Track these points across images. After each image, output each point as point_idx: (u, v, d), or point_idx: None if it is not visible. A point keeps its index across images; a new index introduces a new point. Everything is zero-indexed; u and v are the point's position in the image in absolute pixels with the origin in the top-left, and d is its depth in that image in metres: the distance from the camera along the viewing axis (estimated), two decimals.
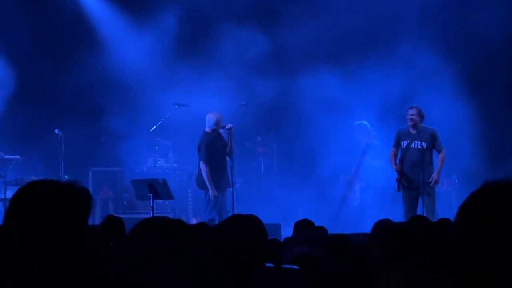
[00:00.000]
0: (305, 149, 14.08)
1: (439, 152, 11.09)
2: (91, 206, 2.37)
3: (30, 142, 13.39)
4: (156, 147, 14.12)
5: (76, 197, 2.34)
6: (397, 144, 11.24)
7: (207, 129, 11.50)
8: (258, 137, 14.69)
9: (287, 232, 9.22)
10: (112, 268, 2.00)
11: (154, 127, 13.73)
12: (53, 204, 2.30)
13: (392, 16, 13.77)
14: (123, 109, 13.92)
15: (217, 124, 11.46)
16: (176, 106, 13.56)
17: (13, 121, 13.70)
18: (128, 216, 11.70)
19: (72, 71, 13.90)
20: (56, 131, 12.45)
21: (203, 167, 11.30)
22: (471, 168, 13.19)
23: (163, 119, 13.69)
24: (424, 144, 10.97)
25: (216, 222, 10.34)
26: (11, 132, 13.58)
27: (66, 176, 12.49)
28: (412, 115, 11.04)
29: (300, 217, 7.70)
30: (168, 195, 11.08)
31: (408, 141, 11.11)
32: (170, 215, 8.65)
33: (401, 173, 11.11)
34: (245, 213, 3.99)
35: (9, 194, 11.55)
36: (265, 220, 4.10)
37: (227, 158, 11.56)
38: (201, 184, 11.47)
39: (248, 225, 3.73)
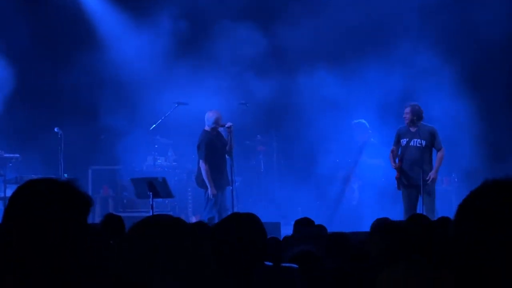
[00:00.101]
0: (305, 148, 14.08)
1: (438, 150, 11.10)
2: (90, 205, 2.37)
3: (30, 141, 13.39)
4: (156, 146, 14.12)
5: (75, 196, 2.34)
6: (397, 142, 11.25)
7: (207, 128, 11.50)
8: (258, 136, 14.69)
9: (286, 230, 9.22)
10: (112, 268, 2.00)
11: (154, 125, 13.73)
12: (52, 202, 2.30)
13: (392, 15, 13.77)
14: (122, 107, 13.91)
15: (217, 122, 11.46)
16: (176, 105, 13.56)
17: (12, 120, 13.70)
18: (128, 215, 11.70)
19: (71, 70, 13.90)
20: (55, 129, 12.46)
21: (202, 166, 11.30)
22: (471, 167, 13.19)
23: (162, 118, 13.68)
24: (423, 142, 10.97)
25: (216, 220, 10.33)
26: (10, 130, 13.58)
27: (65, 175, 12.49)
28: (406, 113, 11.10)
29: (300, 215, 7.70)
30: (168, 194, 11.09)
31: (408, 139, 11.12)
32: (170, 214, 8.65)
33: (401, 171, 11.12)
34: (244, 211, 3.98)
35: (9, 192, 11.55)
36: (264, 219, 4.10)
37: (226, 156, 11.57)
38: (200, 183, 11.47)
39: (247, 224, 3.73)
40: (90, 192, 13.54)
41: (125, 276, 1.96)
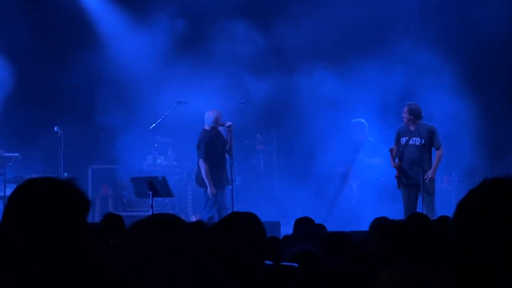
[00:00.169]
0: (304, 147, 14.08)
1: (437, 149, 11.09)
2: (90, 204, 2.37)
3: (30, 140, 13.39)
4: (156, 145, 14.12)
5: (75, 195, 2.34)
6: (397, 142, 11.26)
7: (206, 127, 11.50)
8: (258, 135, 14.68)
9: (286, 229, 9.23)
10: (112, 267, 1.99)
11: (154, 124, 13.73)
12: (52, 201, 2.29)
13: (392, 14, 13.76)
14: (122, 107, 13.91)
15: (216, 121, 11.46)
16: (176, 104, 13.56)
17: (12, 119, 13.69)
18: (127, 214, 11.70)
19: (71, 69, 13.90)
20: (55, 128, 12.46)
21: (202, 165, 11.30)
22: (470, 166, 13.19)
23: (162, 117, 13.69)
24: (422, 141, 10.98)
25: (216, 219, 10.34)
26: (10, 129, 13.58)
27: (65, 174, 12.49)
28: (403, 112, 11.14)
29: (300, 214, 7.71)
30: (168, 193, 11.09)
31: (407, 138, 11.14)
32: (171, 212, 8.64)
33: (400, 170, 11.12)
34: (244, 210, 3.98)
35: (9, 191, 11.53)
36: (264, 218, 4.10)
37: (226, 155, 11.57)
38: (200, 182, 11.47)
39: (247, 223, 3.73)
40: (89, 191, 13.55)
41: (125, 275, 1.96)
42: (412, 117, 11.04)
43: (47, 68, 14.08)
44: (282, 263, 4.12)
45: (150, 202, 10.77)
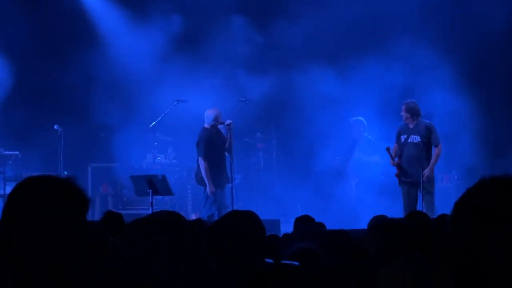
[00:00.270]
0: (304, 145, 14.08)
1: (435, 146, 11.07)
2: (89, 202, 2.37)
3: (30, 138, 13.38)
4: (156, 143, 14.11)
5: (75, 193, 2.33)
6: (398, 140, 11.27)
7: (206, 125, 11.50)
8: (258, 133, 14.68)
9: (286, 228, 9.21)
10: (112, 266, 1.99)
11: (154, 123, 13.73)
12: (52, 200, 2.29)
13: (392, 12, 13.75)
14: (122, 105, 13.91)
15: (216, 120, 11.46)
16: (176, 102, 13.56)
17: (12, 118, 13.69)
18: (127, 212, 11.69)
19: (70, 68, 13.90)
20: (55, 127, 12.46)
21: (201, 163, 11.30)
22: (470, 165, 13.19)
23: (162, 115, 13.69)
24: (421, 138, 10.98)
25: (216, 218, 10.34)
26: (10, 128, 13.58)
27: (65, 172, 12.49)
28: (402, 111, 11.13)
29: (300, 213, 7.70)
30: (168, 191, 11.08)
31: (406, 136, 11.14)
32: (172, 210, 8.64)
33: (400, 168, 11.13)
34: (244, 209, 3.98)
35: (8, 190, 11.50)
36: (264, 216, 4.10)
37: (226, 154, 11.56)
38: (200, 180, 11.47)
39: (247, 221, 3.73)
40: (89, 190, 13.55)
41: (125, 274, 1.96)
42: (410, 115, 11.05)
43: (47, 66, 14.08)
44: (283, 262, 4.11)
45: (150, 200, 10.77)
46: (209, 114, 11.50)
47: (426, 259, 2.54)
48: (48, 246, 2.25)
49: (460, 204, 1.82)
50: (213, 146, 11.39)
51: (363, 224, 6.98)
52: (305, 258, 4.67)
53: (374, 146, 12.84)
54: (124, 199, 14.05)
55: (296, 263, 4.17)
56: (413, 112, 11.07)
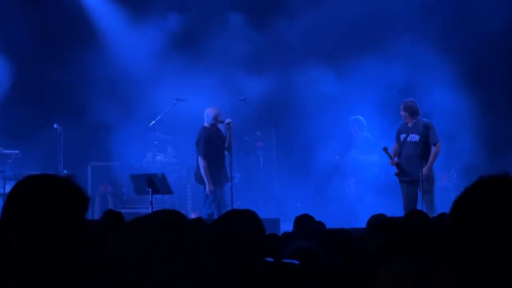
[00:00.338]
0: (304, 144, 14.08)
1: (434, 145, 11.06)
2: (89, 201, 2.37)
3: (29, 137, 13.38)
4: (155, 142, 14.11)
5: (74, 192, 2.33)
6: (398, 139, 11.27)
7: (206, 124, 11.50)
8: (257, 132, 14.68)
9: (286, 227, 9.22)
10: (112, 265, 1.99)
11: (153, 121, 13.73)
12: (51, 198, 2.29)
13: (392, 10, 13.74)
14: (121, 104, 13.91)
15: (216, 118, 11.45)
16: (175, 101, 13.55)
17: (12, 117, 13.70)
18: (127, 211, 11.68)
19: (70, 67, 13.91)
20: (55, 126, 12.47)
21: (201, 162, 11.31)
22: (470, 163, 13.19)
23: (162, 114, 13.68)
24: (419, 137, 10.98)
25: (215, 216, 10.33)
26: (10, 127, 13.58)
27: (65, 171, 12.50)
28: (401, 110, 11.13)
29: (299, 212, 7.70)
30: (167, 190, 11.09)
31: (405, 135, 11.14)
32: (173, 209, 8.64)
33: (399, 167, 11.13)
34: (243, 208, 3.98)
35: (8, 189, 11.49)
36: (263, 215, 4.10)
37: (226, 153, 11.56)
38: (199, 179, 11.47)
39: (246, 220, 3.73)
40: (89, 189, 13.55)
41: (125, 273, 1.96)
42: (408, 114, 11.05)
43: (46, 65, 14.08)
44: (283, 260, 4.12)
45: (150, 199, 10.77)
46: (208, 113, 11.50)
47: (426, 258, 2.54)
48: (47, 245, 2.25)
49: (458, 203, 1.82)
50: (213, 145, 11.38)
51: (362, 223, 6.97)
52: (305, 257, 4.67)
53: (373, 145, 12.83)
54: (124, 197, 14.05)
55: (296, 261, 4.18)
56: (411, 111, 11.07)
